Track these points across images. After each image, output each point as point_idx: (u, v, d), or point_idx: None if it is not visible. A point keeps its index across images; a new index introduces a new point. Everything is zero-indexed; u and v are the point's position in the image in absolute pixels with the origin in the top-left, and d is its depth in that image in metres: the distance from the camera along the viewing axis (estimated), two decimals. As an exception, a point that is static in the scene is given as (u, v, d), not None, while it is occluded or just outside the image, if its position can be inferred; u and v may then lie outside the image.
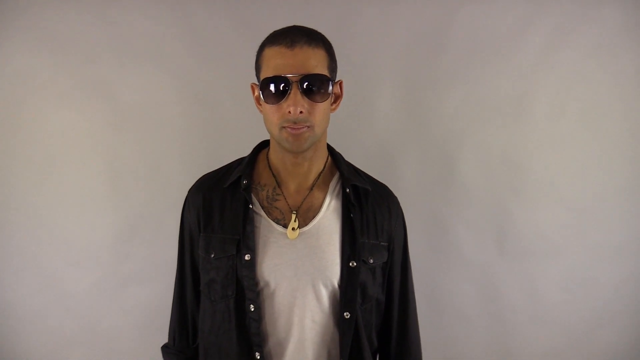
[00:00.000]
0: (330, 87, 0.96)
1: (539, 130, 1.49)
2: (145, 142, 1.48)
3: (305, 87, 0.93)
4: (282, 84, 0.93)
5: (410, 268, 1.15)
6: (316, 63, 0.94)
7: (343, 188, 1.05)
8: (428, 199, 1.51)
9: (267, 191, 1.05)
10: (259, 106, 1.03)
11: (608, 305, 1.53)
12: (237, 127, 1.47)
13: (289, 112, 0.93)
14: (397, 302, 1.11)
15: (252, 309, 0.98)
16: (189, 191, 1.10)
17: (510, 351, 1.55)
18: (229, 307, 0.99)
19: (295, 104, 0.92)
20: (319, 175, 1.07)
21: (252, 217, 1.01)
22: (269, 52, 0.95)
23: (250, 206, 1.01)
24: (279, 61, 0.93)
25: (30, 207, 1.47)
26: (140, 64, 1.46)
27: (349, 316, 0.99)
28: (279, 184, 1.05)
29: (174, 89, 1.47)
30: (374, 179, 1.14)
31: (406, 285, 1.13)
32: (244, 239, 0.99)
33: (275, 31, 0.98)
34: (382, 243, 1.06)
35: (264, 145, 1.13)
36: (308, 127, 0.95)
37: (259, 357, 0.97)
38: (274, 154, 1.06)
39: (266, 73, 0.95)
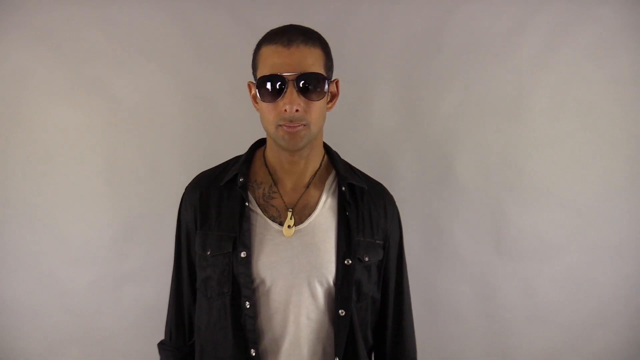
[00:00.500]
0: (327, 86, 0.97)
1: (536, 130, 1.49)
2: (144, 141, 1.48)
3: (301, 85, 0.93)
4: (279, 83, 0.93)
5: (406, 266, 1.16)
6: (312, 62, 0.94)
7: (339, 186, 1.06)
8: (425, 198, 1.51)
9: (264, 189, 1.05)
10: (255, 104, 1.04)
11: (606, 306, 1.52)
12: (234, 126, 1.47)
13: (285, 110, 0.93)
14: (393, 300, 1.12)
15: (248, 306, 0.98)
16: (186, 189, 1.11)
17: (507, 351, 1.54)
18: (225, 304, 1.00)
19: (292, 102, 0.92)
20: (315, 173, 1.07)
21: (248, 215, 1.01)
22: (266, 50, 0.96)
23: (247, 204, 1.02)
24: (276, 60, 0.94)
25: (28, 205, 1.48)
26: (139, 63, 1.46)
27: (344, 314, 0.99)
28: (275, 182, 1.06)
29: (172, 88, 1.47)
30: (370, 177, 1.15)
31: (401, 284, 1.13)
32: (240, 237, 1.00)
33: (272, 30, 0.99)
34: (377, 241, 1.07)
35: (260, 143, 1.13)
36: (304, 125, 0.95)
37: (254, 354, 0.98)
38: (271, 152, 1.06)
39: (263, 71, 0.95)
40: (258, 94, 0.97)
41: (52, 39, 1.43)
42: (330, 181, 1.08)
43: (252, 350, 0.98)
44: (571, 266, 1.51)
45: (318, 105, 0.96)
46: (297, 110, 0.93)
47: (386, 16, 1.46)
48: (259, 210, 1.03)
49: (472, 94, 1.48)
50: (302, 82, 0.93)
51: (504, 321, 1.53)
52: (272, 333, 0.99)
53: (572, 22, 1.45)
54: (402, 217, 1.16)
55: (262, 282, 0.99)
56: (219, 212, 1.04)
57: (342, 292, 1.00)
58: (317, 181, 1.07)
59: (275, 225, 1.01)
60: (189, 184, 1.11)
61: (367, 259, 1.04)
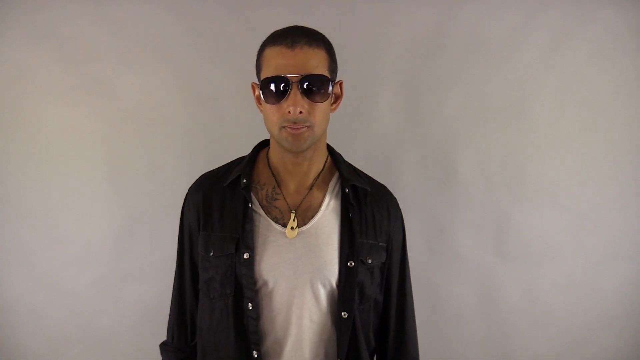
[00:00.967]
0: (330, 88, 0.97)
1: (538, 132, 1.48)
2: (146, 141, 1.48)
3: (305, 87, 0.93)
4: (282, 84, 0.93)
5: (409, 269, 1.16)
6: (316, 63, 0.94)
7: (342, 188, 1.05)
8: (427, 200, 1.51)
9: (267, 190, 1.05)
10: (259, 106, 1.04)
11: (606, 309, 1.52)
12: (237, 127, 1.47)
13: (289, 112, 0.93)
14: (395, 303, 1.12)
15: (251, 308, 0.98)
16: (189, 189, 1.11)
17: (508, 353, 1.54)
18: (227, 306, 1.00)
19: (295, 104, 0.92)
20: (319, 175, 1.07)
21: (251, 216, 1.01)
22: (270, 52, 0.96)
23: (250, 205, 1.02)
24: (280, 61, 0.93)
25: (29, 205, 1.48)
26: (142, 63, 1.46)
27: (346, 316, 0.99)
28: (278, 184, 1.06)
29: (175, 88, 1.47)
30: (374, 179, 1.14)
31: (404, 286, 1.13)
32: (243, 238, 0.99)
33: (275, 31, 0.99)
34: (380, 243, 1.06)
35: (264, 144, 1.13)
36: (308, 127, 0.95)
37: (256, 356, 0.98)
38: (274, 154, 1.06)
39: (266, 73, 0.95)
40: (262, 96, 0.97)
41: (53, 38, 1.43)
42: (333, 183, 1.08)
43: (254, 352, 0.98)
44: (573, 269, 1.51)
45: (322, 107, 0.96)
46: (300, 112, 0.93)
47: (389, 18, 1.46)
48: (262, 212, 1.03)
49: (474, 96, 1.48)
50: (306, 83, 0.93)
51: (505, 323, 1.53)
52: (275, 335, 0.99)
53: (574, 24, 1.45)
54: (404, 219, 1.16)
55: (265, 283, 0.99)
56: (221, 213, 1.03)
57: (345, 294, 0.99)
58: (321, 183, 1.07)
59: (278, 227, 1.01)
60: (192, 184, 1.11)
61: (370, 261, 1.03)
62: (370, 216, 1.06)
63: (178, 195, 1.16)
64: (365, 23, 1.46)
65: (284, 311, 0.99)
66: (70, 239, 1.49)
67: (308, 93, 0.93)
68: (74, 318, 1.50)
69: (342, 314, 0.99)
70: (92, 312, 1.51)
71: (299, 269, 0.99)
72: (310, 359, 1.00)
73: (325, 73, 0.96)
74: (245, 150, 1.13)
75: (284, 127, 0.95)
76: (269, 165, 1.08)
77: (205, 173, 1.12)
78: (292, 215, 1.02)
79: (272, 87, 0.94)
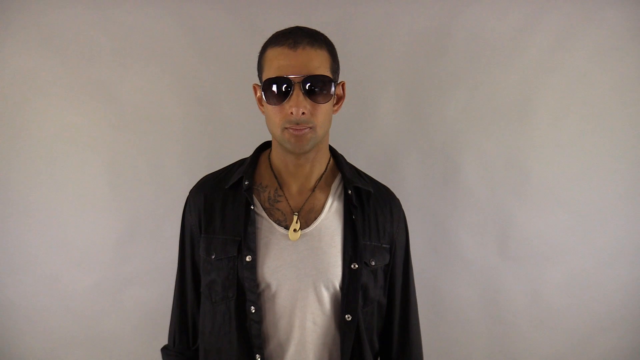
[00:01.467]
0: (333, 88, 0.96)
1: (542, 133, 1.48)
2: (147, 143, 1.48)
3: (307, 88, 0.93)
4: (285, 85, 0.92)
5: (412, 271, 1.15)
6: (319, 64, 0.94)
7: (345, 190, 1.05)
8: (430, 201, 1.50)
9: (269, 192, 1.05)
10: (261, 107, 1.03)
11: (611, 310, 1.52)
12: (239, 128, 1.46)
13: (291, 113, 0.93)
14: (399, 305, 1.11)
15: (253, 311, 0.97)
16: (190, 192, 1.10)
17: (511, 355, 1.54)
18: (229, 309, 0.99)
19: (298, 105, 0.92)
20: (321, 176, 1.06)
21: (253, 218, 1.01)
22: (272, 52, 0.95)
23: (252, 207, 1.01)
24: (282, 62, 0.93)
25: (31, 207, 1.47)
26: (142, 65, 1.45)
27: (350, 318, 0.98)
28: (280, 185, 1.05)
29: (176, 90, 1.47)
30: (376, 180, 1.14)
31: (408, 288, 1.12)
32: (245, 240, 0.99)
33: (277, 32, 0.98)
34: (384, 245, 1.06)
35: (265, 146, 1.13)
36: (310, 128, 0.95)
37: (259, 359, 0.97)
38: (276, 155, 1.06)
39: (268, 74, 0.95)
40: (264, 97, 0.96)
41: (55, 40, 1.43)
42: (336, 184, 1.07)
43: (257, 356, 0.97)
44: (576, 270, 1.51)
45: (324, 107, 0.96)
46: (303, 113, 0.92)
47: (391, 19, 1.46)
48: (264, 214, 1.02)
49: (477, 97, 1.48)
50: (309, 84, 0.92)
51: (509, 325, 1.53)
52: (278, 338, 0.98)
53: (578, 25, 1.44)
54: (407, 220, 1.15)
55: (268, 286, 0.98)
56: (223, 216, 1.03)
57: (349, 297, 0.99)
58: (323, 184, 1.06)
59: (281, 229, 1.01)
60: (194, 187, 1.10)
61: (373, 263, 1.03)
62: (374, 218, 1.05)
63: (179, 198, 1.15)
64: (368, 24, 1.46)
65: (287, 314, 0.98)
66: (71, 242, 1.48)
67: (310, 94, 0.93)
68: (75, 321, 1.50)
69: (346, 316, 0.98)
70: (94, 315, 1.50)
71: (302, 272, 0.98)
72: (313, 362, 0.99)
73: (328, 74, 0.96)
74: (247, 152, 1.12)
75: (286, 128, 0.95)
76: (271, 167, 1.07)
77: (207, 175, 1.11)
78: (295, 218, 1.01)
79: (274, 88, 0.93)
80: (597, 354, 1.53)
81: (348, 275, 0.99)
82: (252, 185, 1.04)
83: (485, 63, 1.46)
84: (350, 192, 1.03)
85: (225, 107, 1.48)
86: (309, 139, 0.96)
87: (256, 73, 1.02)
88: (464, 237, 1.51)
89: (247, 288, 0.98)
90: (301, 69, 0.92)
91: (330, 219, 1.03)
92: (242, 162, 1.10)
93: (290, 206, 1.03)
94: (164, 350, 1.14)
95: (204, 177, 1.11)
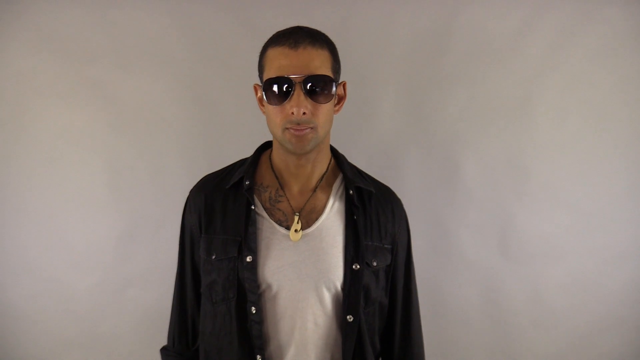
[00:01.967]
0: (334, 88, 0.96)
1: (543, 132, 1.48)
2: (147, 144, 1.48)
3: (308, 88, 0.92)
4: (285, 85, 0.92)
5: (414, 271, 1.14)
6: (320, 64, 0.93)
7: (346, 190, 1.04)
8: (431, 201, 1.50)
9: (270, 192, 1.04)
10: (261, 107, 1.03)
11: (612, 310, 1.52)
12: (240, 129, 1.46)
13: (292, 113, 0.92)
14: (401, 306, 1.10)
15: (254, 312, 0.97)
16: (191, 192, 1.10)
17: (512, 355, 1.54)
18: (230, 310, 0.99)
19: (299, 105, 0.91)
20: (322, 176, 1.06)
21: (254, 219, 1.00)
22: (272, 52, 0.95)
23: (253, 207, 1.01)
24: (283, 62, 0.93)
25: (30, 208, 1.47)
26: (142, 66, 1.45)
27: (352, 319, 0.98)
28: (281, 186, 1.04)
29: (175, 91, 1.47)
30: (378, 181, 1.13)
31: (409, 289, 1.12)
32: (245, 241, 0.98)
33: (278, 32, 0.98)
34: (385, 246, 1.05)
35: (266, 146, 1.12)
36: (311, 128, 0.94)
37: (260, 360, 0.96)
38: (277, 155, 1.05)
39: (269, 74, 0.94)
40: (264, 97, 0.96)
41: (54, 41, 1.43)
42: (337, 184, 1.07)
43: (258, 357, 0.96)
44: (577, 270, 1.51)
45: (325, 108, 0.95)
46: (304, 113, 0.92)
47: (392, 19, 1.46)
48: (265, 214, 1.01)
49: (478, 96, 1.48)
50: (310, 84, 0.92)
51: (510, 324, 1.53)
52: (279, 339, 0.98)
53: (578, 24, 1.44)
54: (408, 220, 1.15)
55: (269, 287, 0.98)
56: (224, 216, 1.02)
57: (350, 298, 0.98)
58: (324, 185, 1.06)
59: (282, 230, 1.00)
60: (194, 187, 1.10)
61: (375, 263, 1.02)
62: (375, 218, 1.05)
63: (179, 199, 1.15)
64: (369, 24, 1.46)
65: (288, 315, 0.97)
66: (71, 243, 1.48)
67: (311, 94, 0.93)
68: (75, 322, 1.50)
69: (348, 317, 0.98)
70: (93, 316, 1.50)
71: (303, 273, 0.98)
72: (314, 364, 0.98)
73: (329, 73, 0.95)
74: (248, 152, 1.12)
75: (287, 128, 0.94)
76: (272, 167, 1.07)
77: (207, 175, 1.11)
78: (296, 218, 1.00)
79: (275, 88, 0.93)
80: (597, 353, 1.53)
81: (350, 275, 0.99)
82: (253, 185, 1.04)
83: (486, 62, 1.46)
84: (351, 192, 1.03)
85: (226, 107, 1.47)
86: (310, 139, 0.95)
87: (257, 73, 1.02)
88: (465, 236, 1.51)
89: (247, 289, 0.97)
90: (302, 68, 0.92)
91: (332, 219, 1.02)
92: (242, 162, 1.10)
93: (291, 206, 1.02)
94: (163, 350, 1.14)
95: (204, 177, 1.11)
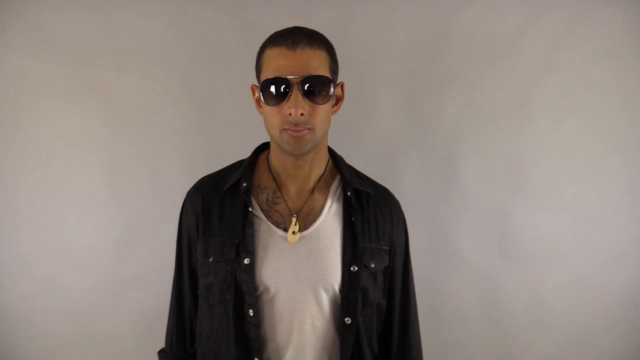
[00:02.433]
0: (332, 89, 0.95)
1: (541, 133, 1.48)
2: (145, 145, 1.47)
3: (306, 88, 0.92)
4: (283, 86, 0.92)
5: (412, 273, 1.14)
6: (317, 64, 0.93)
7: (344, 191, 1.04)
8: (429, 202, 1.50)
9: (267, 194, 1.04)
10: (259, 108, 1.02)
11: (610, 310, 1.52)
12: (237, 129, 1.46)
13: (290, 114, 0.92)
14: (399, 307, 1.10)
15: (251, 314, 0.96)
16: (188, 193, 1.09)
17: (511, 355, 1.53)
18: (227, 312, 0.98)
19: (296, 105, 0.91)
20: (320, 178, 1.05)
21: (251, 221, 1.00)
22: (270, 53, 0.95)
23: (250, 209, 1.00)
24: (280, 62, 0.92)
25: (28, 209, 1.46)
26: (140, 66, 1.45)
27: (350, 321, 0.98)
28: (279, 187, 1.04)
29: (174, 91, 1.46)
30: (376, 182, 1.13)
31: (407, 290, 1.12)
32: (243, 243, 0.98)
33: (276, 32, 0.97)
34: (383, 247, 1.05)
35: (264, 147, 1.12)
36: (309, 129, 0.94)
37: (257, 363, 0.96)
38: (275, 157, 1.05)
39: (267, 74, 0.94)
40: (262, 98, 0.95)
41: (53, 42, 1.42)
42: (335, 186, 1.06)
43: (256, 359, 0.96)
44: (576, 270, 1.51)
45: (323, 108, 0.95)
46: (302, 114, 0.92)
47: (390, 19, 1.46)
48: (262, 216, 1.01)
49: (476, 97, 1.48)
50: (307, 85, 0.92)
51: (509, 325, 1.53)
52: (276, 342, 0.98)
53: (576, 25, 1.44)
54: (406, 221, 1.15)
55: (266, 289, 0.97)
56: (221, 218, 1.02)
57: (348, 300, 0.98)
58: (322, 186, 1.05)
59: (280, 231, 1.00)
60: (191, 188, 1.09)
61: (373, 265, 1.02)
62: (373, 219, 1.04)
63: (177, 200, 1.14)
64: (367, 24, 1.46)
65: (285, 317, 0.97)
66: (69, 244, 1.47)
67: (309, 94, 0.92)
68: (74, 323, 1.49)
69: (346, 319, 0.98)
70: (92, 317, 1.49)
71: (301, 275, 0.97)
72: (313, 366, 0.98)
73: (327, 74, 0.95)
74: (245, 153, 1.11)
75: (284, 129, 0.94)
76: (270, 169, 1.06)
77: (204, 177, 1.10)
78: (294, 220, 1.00)
79: (273, 88, 0.92)
80: (596, 354, 1.53)
81: (347, 277, 0.98)
82: (250, 187, 1.03)
83: (484, 63, 1.46)
84: (349, 193, 1.03)
85: (224, 108, 1.47)
86: (308, 140, 0.95)
87: (255, 74, 1.01)
88: (463, 237, 1.51)
89: (245, 291, 0.97)
90: (300, 69, 0.91)
91: (330, 221, 1.02)
92: (240, 163, 1.09)
93: (288, 208, 1.02)
94: (161, 353, 1.13)
95: (201, 179, 1.10)
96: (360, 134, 1.48)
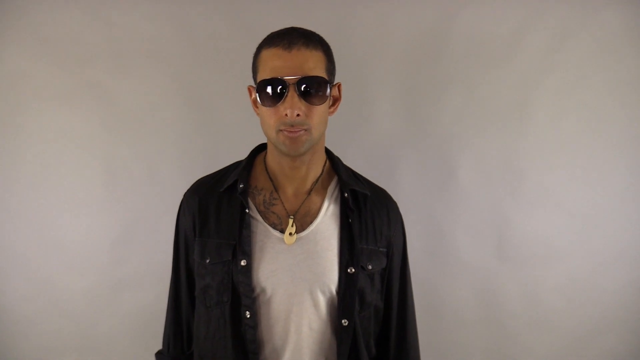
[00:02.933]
0: (328, 90, 0.95)
1: (539, 134, 1.48)
2: (142, 145, 1.47)
3: (302, 89, 0.91)
4: (279, 86, 0.91)
5: (410, 274, 1.14)
6: (314, 65, 0.93)
7: (341, 192, 1.04)
8: (427, 203, 1.50)
9: (264, 195, 1.03)
10: (256, 109, 1.02)
11: (608, 311, 1.52)
12: (234, 131, 1.46)
13: (286, 114, 0.91)
14: (396, 309, 1.10)
15: (248, 316, 0.96)
16: (185, 195, 1.09)
17: (509, 356, 1.53)
18: (224, 314, 0.98)
19: (293, 106, 0.90)
20: (317, 179, 1.05)
21: (248, 222, 0.99)
22: (266, 53, 0.94)
23: (247, 211, 1.00)
24: (276, 63, 0.92)
25: (25, 210, 1.46)
26: (138, 67, 1.45)
27: (347, 323, 0.97)
28: (276, 188, 1.04)
29: (171, 92, 1.46)
30: (373, 183, 1.13)
31: (405, 292, 1.11)
32: (240, 244, 0.97)
33: (272, 33, 0.97)
34: (380, 249, 1.05)
35: (261, 148, 1.11)
36: (305, 130, 0.94)
37: (254, 365, 0.96)
38: (271, 158, 1.04)
39: (263, 75, 0.94)
40: (258, 98, 0.95)
41: (51, 42, 1.42)
42: (332, 187, 1.06)
43: (253, 361, 0.96)
44: (574, 271, 1.50)
45: (320, 109, 0.94)
46: (298, 115, 0.91)
47: (388, 20, 1.45)
48: (259, 217, 1.01)
49: (474, 98, 1.47)
50: (304, 85, 0.91)
51: (507, 327, 1.52)
52: (273, 343, 0.97)
53: (574, 26, 1.44)
54: (404, 222, 1.14)
55: (263, 291, 0.97)
56: (218, 219, 1.01)
57: (345, 301, 0.97)
58: (319, 187, 1.05)
59: (277, 233, 0.99)
60: (188, 190, 1.09)
61: (370, 267, 1.02)
62: (370, 221, 1.04)
63: (174, 201, 1.14)
64: (364, 25, 1.45)
65: (282, 319, 0.97)
66: (66, 245, 1.47)
67: (306, 95, 0.92)
68: (70, 324, 1.49)
69: (343, 321, 0.97)
70: (88, 318, 1.49)
71: (298, 276, 0.97)
72: (310, 368, 0.97)
73: (323, 75, 0.94)
74: (242, 154, 1.11)
75: (281, 130, 0.93)
76: (266, 170, 1.06)
77: (201, 178, 1.10)
78: (291, 221, 1.00)
79: (269, 89, 0.92)
80: (594, 355, 1.53)
81: (345, 279, 0.98)
82: (247, 188, 1.03)
83: (482, 65, 1.46)
84: (346, 195, 1.02)
85: (221, 109, 1.47)
86: (304, 141, 0.94)
87: (251, 75, 1.01)
88: (461, 239, 1.51)
89: (242, 292, 0.96)
90: (296, 70, 0.91)
91: (327, 222, 1.01)
92: (237, 164, 1.09)
93: (285, 209, 1.02)
94: (158, 355, 1.13)
95: (198, 180, 1.10)
96: (358, 135, 1.48)
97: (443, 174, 1.49)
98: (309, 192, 1.03)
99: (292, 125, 0.92)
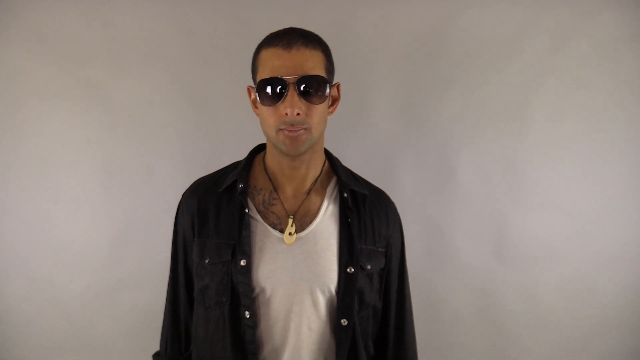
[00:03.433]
0: (328, 89, 0.95)
1: (538, 135, 1.48)
2: (141, 145, 1.47)
3: (302, 88, 0.91)
4: (279, 86, 0.91)
5: (407, 275, 1.14)
6: (313, 65, 0.93)
7: (341, 193, 1.04)
8: (426, 204, 1.50)
9: (264, 195, 1.03)
10: (255, 109, 1.02)
11: (606, 313, 1.52)
12: (233, 130, 1.46)
13: (286, 114, 0.91)
14: (394, 310, 1.10)
15: (248, 316, 0.96)
16: (183, 195, 1.08)
17: (508, 357, 1.53)
18: (223, 314, 0.98)
19: (292, 105, 0.91)
20: (317, 179, 1.05)
21: (248, 222, 0.99)
22: (266, 53, 0.94)
23: (246, 210, 1.00)
24: (276, 63, 0.92)
25: (23, 209, 1.46)
26: (137, 66, 1.45)
27: (346, 323, 0.97)
28: (275, 188, 1.03)
29: (170, 92, 1.46)
30: (371, 184, 1.13)
31: (403, 292, 1.11)
32: (239, 244, 0.97)
33: (271, 33, 0.97)
34: (379, 249, 1.05)
35: (260, 148, 1.11)
36: (305, 129, 0.94)
37: (253, 365, 0.95)
38: (271, 158, 1.04)
39: (263, 75, 0.94)
40: (258, 98, 0.95)
41: (49, 42, 1.42)
42: (331, 187, 1.06)
43: (252, 361, 0.95)
44: (572, 273, 1.51)
45: (319, 108, 0.94)
46: (298, 114, 0.91)
47: (388, 20, 1.46)
48: (258, 217, 1.00)
49: (473, 99, 1.48)
50: (303, 85, 0.91)
51: (505, 328, 1.52)
52: (272, 343, 0.97)
53: (574, 27, 1.45)
54: (402, 223, 1.14)
55: (262, 291, 0.97)
56: (217, 219, 1.01)
57: (344, 301, 0.97)
58: (319, 187, 1.05)
59: (276, 233, 0.99)
60: (187, 190, 1.09)
61: (369, 267, 1.02)
62: (369, 221, 1.04)
63: (173, 201, 1.14)
64: (364, 25, 1.46)
65: (282, 319, 0.96)
66: (64, 245, 1.47)
67: (305, 94, 0.92)
68: (68, 325, 1.48)
69: (342, 321, 0.97)
70: (86, 319, 1.49)
71: (297, 276, 0.97)
72: (309, 368, 0.97)
73: (322, 74, 0.94)
74: (241, 154, 1.11)
75: (281, 129, 0.93)
76: (266, 170, 1.06)
77: (200, 178, 1.10)
78: (290, 221, 0.99)
79: (269, 89, 0.92)
80: (593, 356, 1.53)
81: (344, 279, 0.98)
82: (247, 188, 1.03)
83: (482, 66, 1.46)
84: (345, 195, 1.02)
85: (220, 109, 1.47)
86: (304, 141, 0.94)
87: (250, 75, 1.01)
88: (460, 240, 1.51)
89: (241, 293, 0.96)
90: (296, 69, 0.91)
91: (326, 222, 1.01)
92: (236, 164, 1.09)
93: (285, 209, 1.01)
94: (156, 356, 1.12)
95: (197, 180, 1.10)
96: (357, 135, 1.48)
97: (442, 175, 1.49)
98: (308, 192, 1.03)
99: (292, 125, 0.92)
